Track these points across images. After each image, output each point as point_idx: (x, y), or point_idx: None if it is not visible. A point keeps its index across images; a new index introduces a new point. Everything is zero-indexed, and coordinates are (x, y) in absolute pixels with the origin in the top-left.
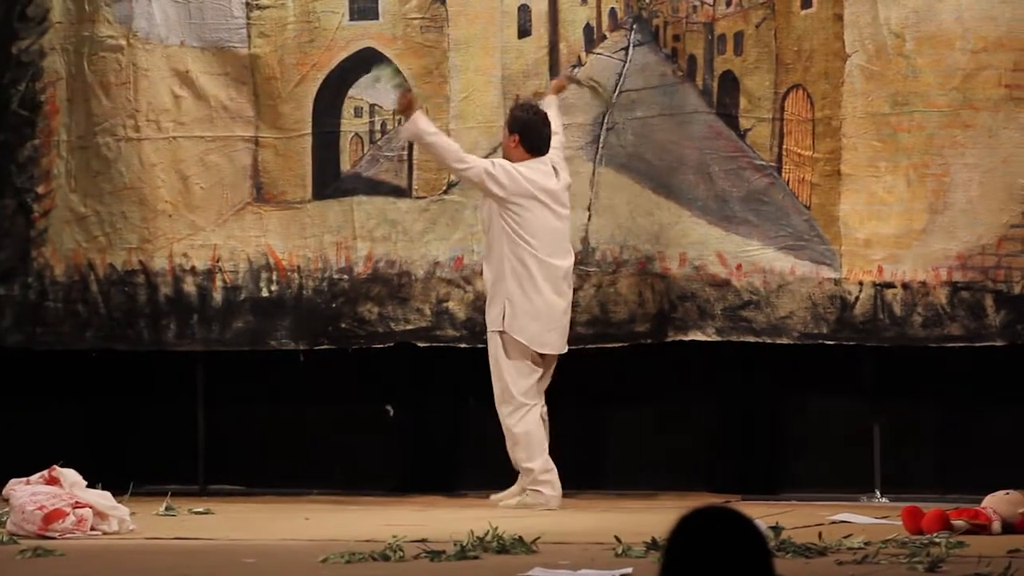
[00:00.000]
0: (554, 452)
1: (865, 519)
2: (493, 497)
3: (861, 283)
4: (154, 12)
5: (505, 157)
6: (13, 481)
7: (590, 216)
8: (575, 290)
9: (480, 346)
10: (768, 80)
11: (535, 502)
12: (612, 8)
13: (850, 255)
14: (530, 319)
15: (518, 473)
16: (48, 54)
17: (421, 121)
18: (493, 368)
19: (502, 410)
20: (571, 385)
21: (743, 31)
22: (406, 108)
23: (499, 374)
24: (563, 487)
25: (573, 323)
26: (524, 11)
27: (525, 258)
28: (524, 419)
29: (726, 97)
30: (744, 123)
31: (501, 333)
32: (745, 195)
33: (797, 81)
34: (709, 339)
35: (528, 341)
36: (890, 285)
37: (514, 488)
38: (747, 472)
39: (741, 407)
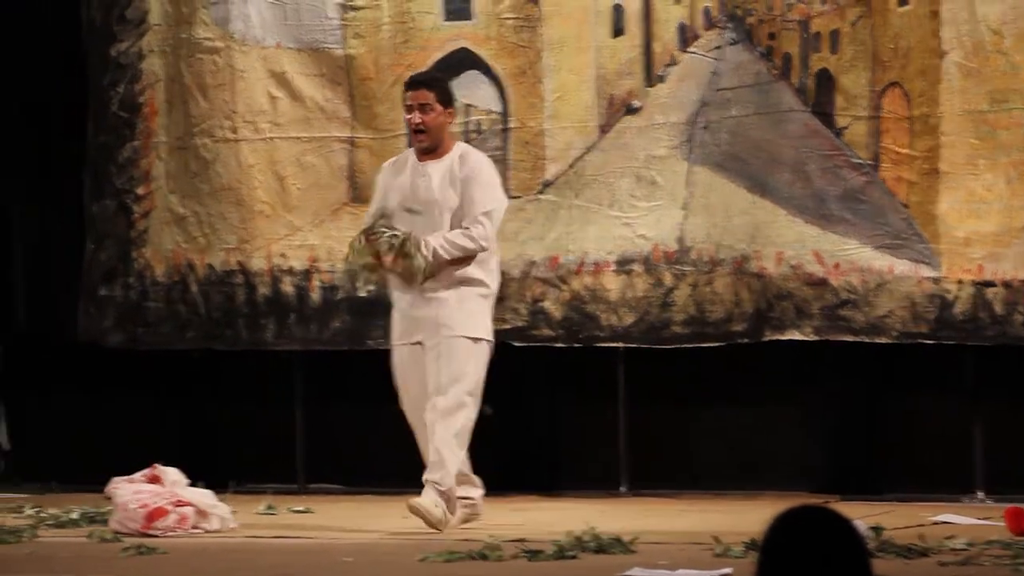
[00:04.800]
0: (655, 452)
1: (967, 520)
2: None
3: (961, 282)
4: (250, 14)
5: (437, 134)
6: (116, 479)
7: (686, 215)
8: (671, 289)
9: (577, 345)
10: (864, 78)
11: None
12: (706, 7)
13: (949, 253)
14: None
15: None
16: (147, 56)
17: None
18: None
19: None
20: (670, 385)
21: (839, 29)
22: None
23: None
24: (663, 487)
25: (669, 322)
26: (618, 10)
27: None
28: None
29: (822, 95)
30: (840, 121)
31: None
32: (842, 193)
33: (894, 79)
34: (807, 338)
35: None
36: (991, 284)
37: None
38: (846, 472)
39: (840, 407)
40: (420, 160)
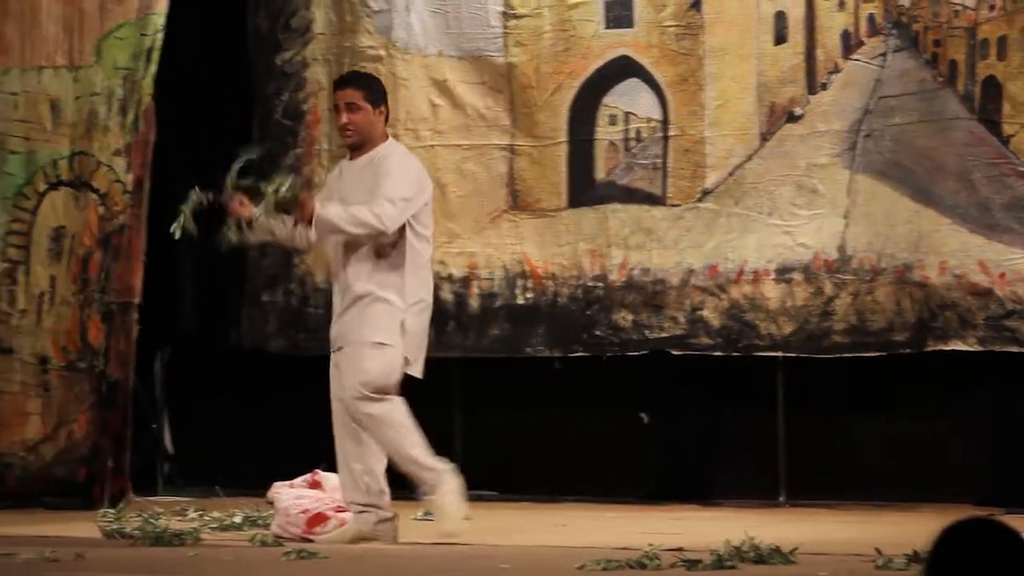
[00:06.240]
0: (814, 461)
1: None
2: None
3: None
4: (413, 22)
5: (364, 132)
6: (278, 484)
7: (847, 224)
8: (831, 298)
9: (735, 354)
10: None
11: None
12: (871, 14)
13: None
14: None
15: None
16: (310, 64)
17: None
18: None
19: None
20: (829, 394)
21: (1007, 35)
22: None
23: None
24: (822, 497)
25: (829, 331)
26: (780, 17)
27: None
28: None
29: (988, 103)
30: (1007, 129)
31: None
32: (1008, 202)
33: None
34: (971, 349)
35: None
36: None
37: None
38: (1010, 485)
39: (1003, 418)
40: (350, 160)
